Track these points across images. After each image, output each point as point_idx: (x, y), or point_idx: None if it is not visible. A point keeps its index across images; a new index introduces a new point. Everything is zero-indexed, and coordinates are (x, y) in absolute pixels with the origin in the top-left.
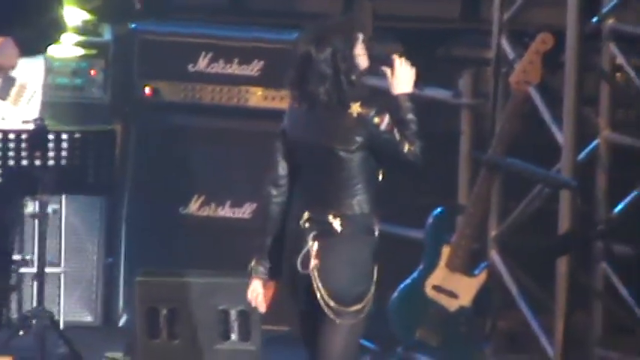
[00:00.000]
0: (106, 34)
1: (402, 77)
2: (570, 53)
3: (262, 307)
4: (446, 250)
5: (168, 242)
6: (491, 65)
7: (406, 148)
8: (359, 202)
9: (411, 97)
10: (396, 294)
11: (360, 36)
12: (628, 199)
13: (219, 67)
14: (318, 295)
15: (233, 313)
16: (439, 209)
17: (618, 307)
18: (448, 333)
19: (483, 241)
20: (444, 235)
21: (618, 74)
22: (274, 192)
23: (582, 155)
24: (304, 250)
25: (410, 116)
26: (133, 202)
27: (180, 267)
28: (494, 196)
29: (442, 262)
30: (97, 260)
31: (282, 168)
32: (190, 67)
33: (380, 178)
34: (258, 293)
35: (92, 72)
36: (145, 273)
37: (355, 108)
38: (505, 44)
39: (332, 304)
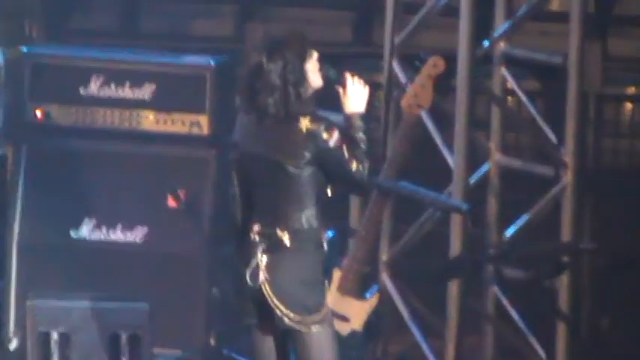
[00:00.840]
0: None
1: (354, 96)
2: (461, 77)
3: None
4: (337, 274)
5: (60, 266)
6: (382, 89)
7: (354, 166)
8: (307, 216)
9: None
10: None
11: (315, 54)
12: (519, 222)
13: (110, 91)
14: (277, 311)
15: (124, 337)
16: (330, 232)
17: (509, 330)
18: (340, 356)
19: (374, 264)
20: (334, 259)
21: (509, 98)
22: (235, 208)
23: (473, 179)
24: (253, 264)
25: (360, 135)
26: (24, 225)
27: (72, 291)
28: (385, 219)
29: (333, 286)
30: None
31: (238, 184)
32: (82, 91)
33: (329, 193)
34: None
35: None
36: (36, 297)
37: (305, 123)
38: (396, 68)
39: (292, 315)
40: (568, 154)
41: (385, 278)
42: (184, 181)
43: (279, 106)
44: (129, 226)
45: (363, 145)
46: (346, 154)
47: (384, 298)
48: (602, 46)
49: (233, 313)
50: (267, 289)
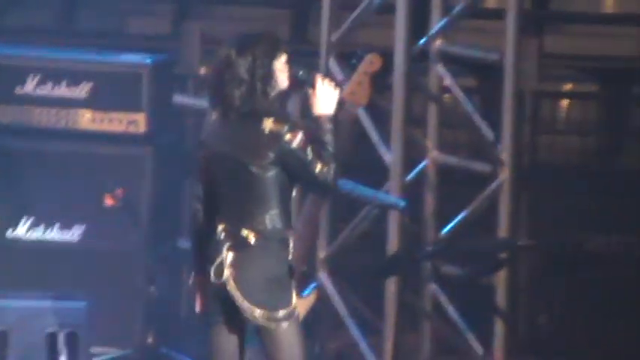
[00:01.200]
0: None
1: (324, 98)
2: (398, 74)
3: None
4: None
5: None
6: None
7: (318, 168)
8: (272, 217)
9: (331, 119)
10: None
11: (284, 55)
12: (456, 219)
13: (47, 89)
14: (244, 307)
15: (61, 336)
16: None
17: (447, 327)
18: None
19: (312, 262)
20: None
21: (446, 95)
22: (199, 206)
23: (410, 176)
24: (218, 261)
25: (328, 137)
26: None
27: (9, 290)
28: (323, 217)
29: None
30: None
31: (203, 182)
32: (18, 90)
33: (294, 193)
34: None
35: None
36: None
37: (268, 123)
38: (333, 66)
39: (258, 311)
40: (505, 151)
41: (323, 276)
42: (122, 180)
43: (245, 99)
44: (66, 225)
45: (330, 148)
46: (310, 156)
47: (322, 296)
48: (538, 42)
49: (171, 312)
50: (232, 286)
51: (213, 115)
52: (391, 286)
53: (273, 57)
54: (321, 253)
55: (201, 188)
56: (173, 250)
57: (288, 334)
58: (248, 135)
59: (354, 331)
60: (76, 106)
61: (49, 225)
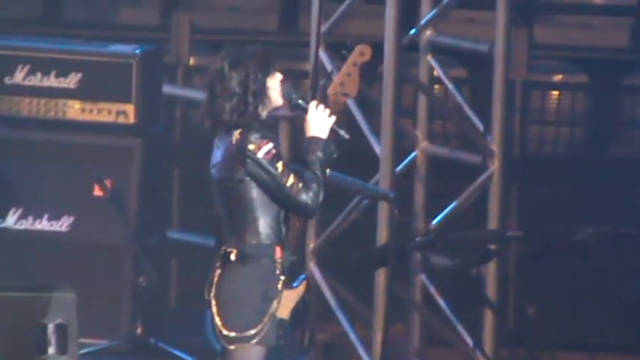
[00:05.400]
0: None
1: (315, 122)
2: (388, 65)
3: None
4: None
5: None
6: (309, 77)
7: (289, 181)
8: (254, 232)
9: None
10: None
11: (278, 75)
12: (446, 210)
13: (36, 80)
14: (216, 322)
15: (50, 327)
16: None
17: (436, 318)
18: None
19: (301, 253)
20: None
21: (436, 86)
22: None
23: (400, 167)
24: (210, 279)
25: (312, 158)
26: None
27: None
28: None
29: None
30: None
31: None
32: (7, 80)
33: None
34: None
35: None
36: None
37: (235, 135)
38: (323, 56)
39: (224, 332)
40: (494, 142)
41: (312, 267)
42: (110, 171)
43: (234, 113)
44: (55, 216)
45: (316, 170)
46: (280, 169)
47: (311, 287)
48: (528, 33)
49: (160, 303)
50: (213, 303)
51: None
52: (380, 277)
53: (266, 73)
54: (311, 244)
55: (215, 212)
56: (162, 241)
57: (239, 357)
58: (225, 151)
59: (344, 323)
60: (65, 97)
61: (37, 216)
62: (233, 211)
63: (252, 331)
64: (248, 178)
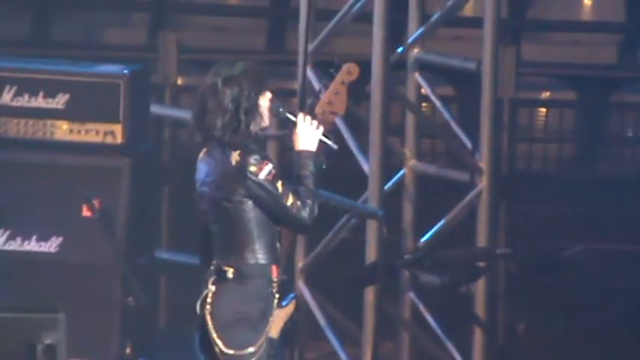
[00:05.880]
0: None
1: (304, 135)
2: (375, 83)
3: None
4: None
5: None
6: (296, 96)
7: (289, 201)
8: (253, 252)
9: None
10: None
11: (269, 94)
12: (435, 228)
13: (23, 101)
14: (216, 343)
15: (39, 348)
16: None
17: (426, 336)
18: None
19: (290, 272)
20: None
21: (424, 104)
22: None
23: (389, 185)
24: (203, 294)
25: (305, 173)
26: None
27: None
28: None
29: None
30: None
31: (200, 222)
32: None
33: (277, 227)
34: None
35: None
36: None
37: (235, 156)
38: (310, 75)
39: (224, 349)
40: (483, 160)
41: (301, 285)
42: (99, 191)
43: (226, 130)
44: (44, 236)
45: (308, 183)
46: (280, 189)
47: (300, 306)
48: (515, 51)
49: (149, 322)
50: (208, 319)
51: (200, 154)
52: (369, 295)
53: (259, 91)
54: (299, 263)
55: (200, 228)
56: (151, 260)
57: None
58: (220, 170)
59: (333, 341)
60: (53, 117)
61: (26, 236)
62: (230, 231)
63: (251, 349)
64: (246, 199)
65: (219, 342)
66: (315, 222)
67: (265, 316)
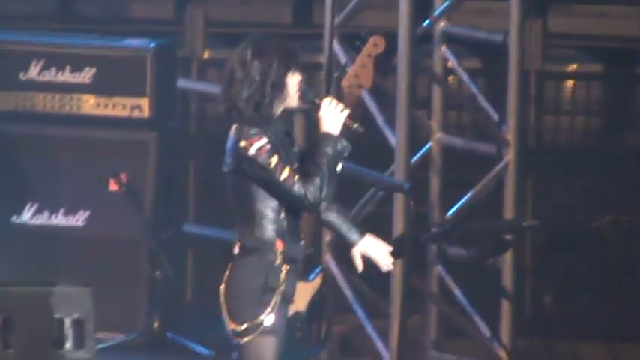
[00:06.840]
0: None
1: (328, 118)
2: (402, 56)
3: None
4: None
5: (2, 251)
6: (323, 69)
7: (283, 175)
8: (256, 226)
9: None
10: None
11: (299, 75)
12: (462, 201)
13: (50, 75)
14: (224, 316)
15: (67, 322)
16: None
17: (453, 309)
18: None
19: (317, 245)
20: None
21: (450, 77)
22: None
23: (415, 158)
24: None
25: (320, 153)
26: None
27: (15, 276)
28: None
29: None
30: None
31: None
32: (22, 76)
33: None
34: None
35: None
36: None
37: (232, 130)
38: (337, 48)
39: (231, 326)
40: (510, 132)
41: (329, 259)
42: (126, 165)
43: (250, 101)
44: (71, 211)
45: (322, 165)
46: (273, 163)
47: (328, 279)
48: (542, 23)
49: (176, 296)
50: (221, 299)
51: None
52: (397, 268)
53: (288, 68)
54: (327, 237)
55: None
56: (178, 234)
57: (251, 349)
58: (228, 146)
59: (361, 314)
60: (79, 92)
61: (53, 211)
62: (238, 206)
63: (255, 322)
64: (240, 172)
65: (227, 318)
66: (319, 200)
67: (268, 288)
